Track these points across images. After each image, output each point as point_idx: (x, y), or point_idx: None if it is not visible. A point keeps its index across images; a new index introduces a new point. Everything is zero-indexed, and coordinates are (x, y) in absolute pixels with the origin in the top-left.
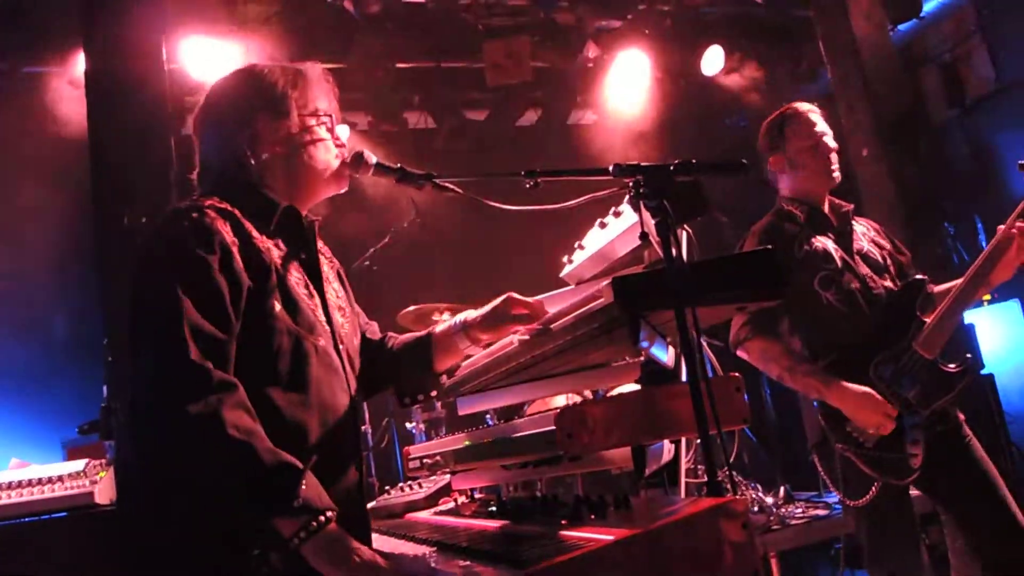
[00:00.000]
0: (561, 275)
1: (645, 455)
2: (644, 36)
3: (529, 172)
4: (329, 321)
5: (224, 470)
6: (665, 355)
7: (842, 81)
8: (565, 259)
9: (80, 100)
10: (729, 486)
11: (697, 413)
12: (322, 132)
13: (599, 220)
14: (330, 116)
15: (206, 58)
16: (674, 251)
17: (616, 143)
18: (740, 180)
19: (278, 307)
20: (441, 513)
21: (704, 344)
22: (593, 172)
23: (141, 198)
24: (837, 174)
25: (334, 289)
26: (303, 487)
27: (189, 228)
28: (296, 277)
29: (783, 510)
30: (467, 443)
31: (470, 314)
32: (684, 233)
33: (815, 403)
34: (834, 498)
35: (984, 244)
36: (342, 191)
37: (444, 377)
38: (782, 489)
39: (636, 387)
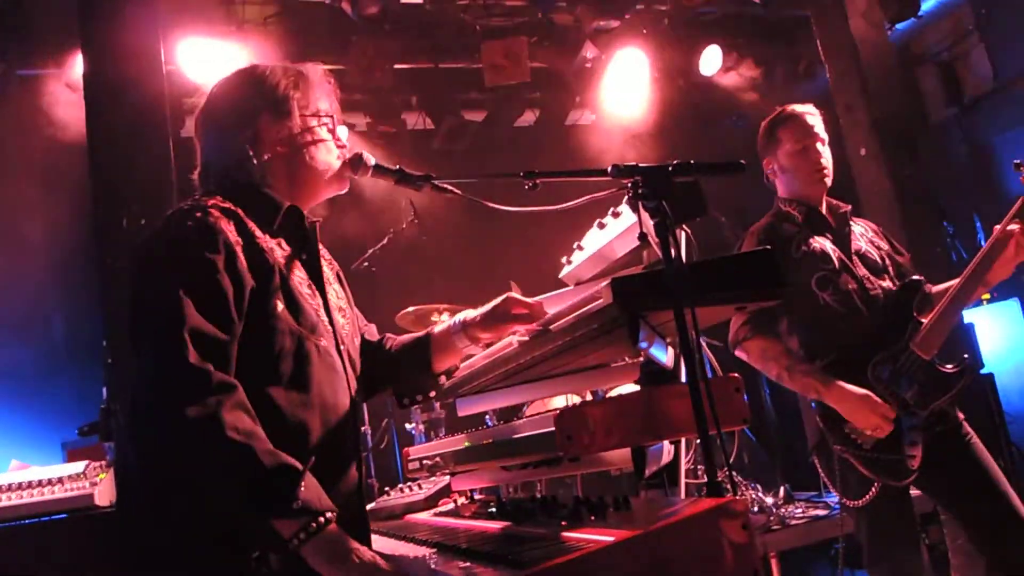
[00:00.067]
0: (560, 276)
1: (645, 456)
2: (642, 36)
3: (528, 173)
4: (331, 322)
5: (223, 472)
6: (664, 355)
7: (840, 80)
8: (564, 260)
9: (77, 102)
10: (729, 487)
11: (697, 414)
12: (323, 133)
13: (598, 221)
14: (331, 117)
15: (204, 59)
16: (673, 251)
17: (614, 143)
18: (739, 180)
19: (281, 307)
20: (441, 514)
21: (703, 344)
22: (592, 173)
23: (139, 200)
24: (827, 179)
25: (335, 290)
26: (302, 488)
27: (193, 228)
28: (299, 277)
29: (783, 510)
30: (467, 444)
31: (469, 313)
32: (683, 233)
33: (813, 404)
34: (834, 498)
35: (983, 243)
36: (342, 192)
37: (443, 378)
38: (782, 489)
39: (635, 388)
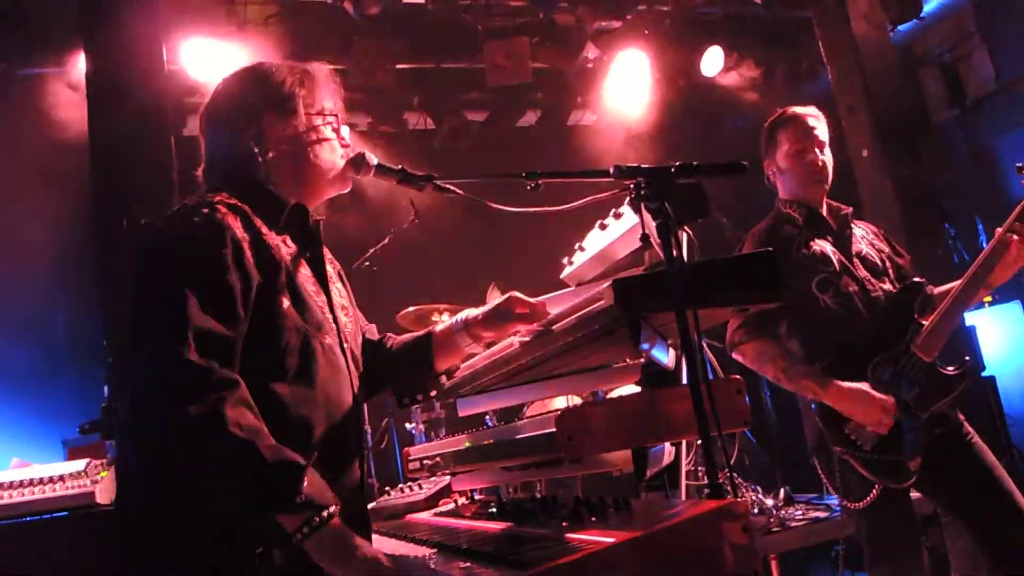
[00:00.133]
0: (561, 276)
1: (646, 457)
2: (644, 37)
3: (530, 174)
4: (335, 320)
5: (226, 468)
6: (666, 357)
7: (842, 81)
8: (565, 260)
9: (79, 102)
10: (730, 488)
11: (698, 415)
12: (328, 132)
13: (599, 222)
14: (336, 116)
15: (206, 59)
16: (675, 253)
17: (616, 144)
18: (740, 181)
19: (287, 304)
20: (441, 514)
21: (704, 346)
22: (593, 174)
23: (141, 199)
24: (824, 181)
25: (337, 289)
26: (305, 483)
27: (200, 224)
28: (304, 275)
29: (783, 512)
30: (467, 444)
31: (471, 312)
32: (684, 235)
33: (813, 405)
34: (834, 500)
35: (985, 245)
36: (344, 191)
37: (444, 377)
38: (782, 491)
39: (636, 389)
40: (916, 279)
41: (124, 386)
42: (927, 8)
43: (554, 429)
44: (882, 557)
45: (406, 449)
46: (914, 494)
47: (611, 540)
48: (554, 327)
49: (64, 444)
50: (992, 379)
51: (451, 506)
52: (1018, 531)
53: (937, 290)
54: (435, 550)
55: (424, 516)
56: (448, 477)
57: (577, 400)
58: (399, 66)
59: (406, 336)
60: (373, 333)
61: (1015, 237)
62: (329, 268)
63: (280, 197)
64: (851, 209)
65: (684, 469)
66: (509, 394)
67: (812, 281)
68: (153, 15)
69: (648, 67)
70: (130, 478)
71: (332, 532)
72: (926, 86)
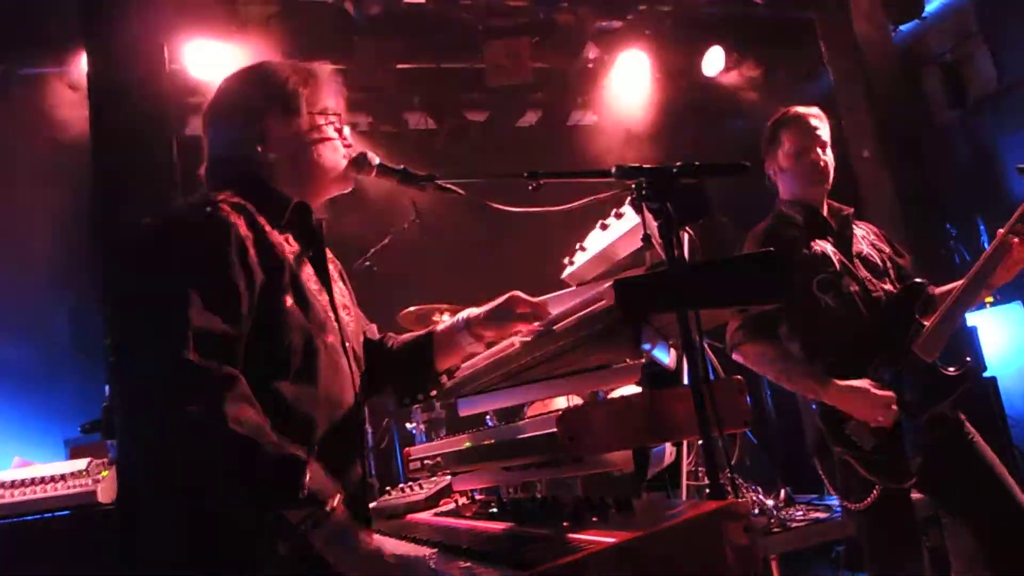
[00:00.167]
0: (562, 276)
1: (647, 457)
2: (645, 37)
3: (532, 173)
4: (337, 319)
5: (227, 465)
6: (667, 357)
7: (843, 82)
8: (566, 260)
9: (80, 102)
10: (730, 489)
11: (699, 415)
12: (330, 131)
13: (600, 222)
14: (338, 116)
15: (206, 59)
16: (676, 253)
17: (617, 144)
18: (742, 181)
19: (290, 302)
20: (442, 514)
21: (705, 346)
22: (595, 174)
23: (142, 199)
24: (825, 182)
25: (339, 288)
26: (307, 477)
27: (203, 221)
28: (307, 273)
29: (784, 513)
30: (468, 444)
31: (473, 311)
32: (686, 235)
33: (813, 406)
34: (835, 501)
35: (986, 245)
36: (346, 191)
37: (444, 377)
38: (783, 492)
39: (637, 389)
40: (917, 280)
41: (120, 384)
42: (929, 8)
43: (555, 429)
44: (882, 558)
45: (407, 449)
46: (915, 495)
47: (612, 540)
48: (555, 327)
49: (66, 443)
50: (993, 380)
51: (452, 506)
52: (1019, 532)
53: (938, 291)
54: (436, 550)
55: (425, 516)
56: (449, 477)
57: (578, 400)
58: (400, 66)
59: (407, 335)
60: (374, 333)
61: (1016, 239)
62: (331, 267)
63: (283, 195)
64: (852, 210)
65: (685, 469)
66: (510, 394)
67: (813, 282)
68: (154, 15)
69: (649, 67)
70: (130, 478)
71: (336, 525)
72: (927, 86)
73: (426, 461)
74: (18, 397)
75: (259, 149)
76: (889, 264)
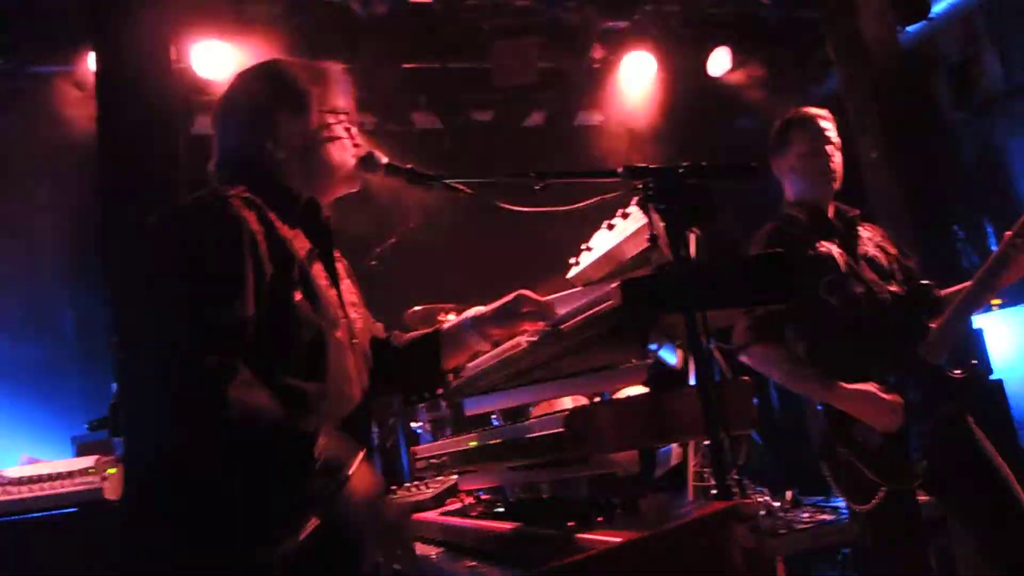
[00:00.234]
0: (568, 277)
1: (653, 458)
2: (651, 37)
3: (539, 173)
4: (345, 315)
5: (238, 448)
6: (673, 358)
7: (850, 82)
8: (572, 261)
9: (86, 101)
10: (737, 490)
11: (705, 416)
12: (339, 130)
13: (607, 222)
14: (348, 115)
15: (213, 57)
16: (683, 253)
17: (623, 144)
18: (752, 181)
19: (299, 297)
20: (448, 514)
21: (712, 347)
22: (602, 174)
23: (148, 197)
24: (836, 182)
25: (347, 285)
26: (319, 448)
27: (214, 215)
28: (317, 269)
29: (790, 514)
30: (474, 444)
31: (479, 310)
32: (692, 235)
33: (819, 407)
34: (841, 503)
35: (994, 247)
36: (353, 191)
37: (451, 375)
38: (789, 493)
39: (644, 389)
40: (924, 282)
41: (127, 377)
42: (936, 9)
43: (561, 429)
44: (888, 560)
45: (413, 448)
46: (922, 497)
47: (618, 540)
48: (561, 327)
49: (73, 441)
50: (1000, 382)
51: (458, 505)
52: (1021, 537)
53: (945, 293)
54: (442, 549)
55: (431, 515)
56: (455, 476)
57: (584, 400)
58: (405, 66)
59: (413, 334)
60: (380, 331)
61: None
62: (338, 265)
63: (293, 191)
64: (858, 211)
65: (691, 470)
66: (516, 394)
67: (818, 283)
68: (161, 14)
69: (655, 68)
70: (138, 472)
71: (353, 492)
72: (935, 88)
73: (432, 460)
74: (25, 395)
75: (269, 146)
76: (895, 266)
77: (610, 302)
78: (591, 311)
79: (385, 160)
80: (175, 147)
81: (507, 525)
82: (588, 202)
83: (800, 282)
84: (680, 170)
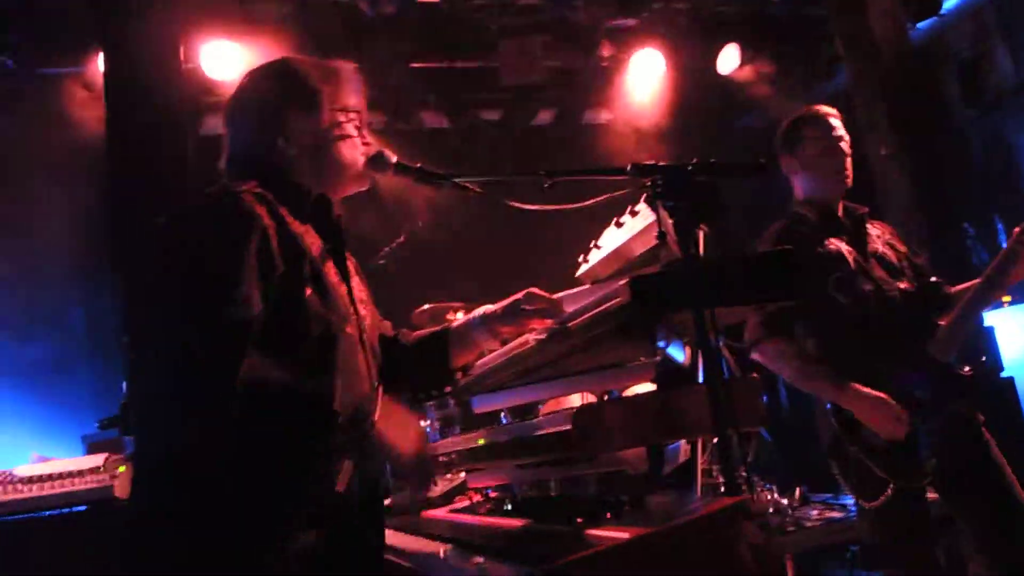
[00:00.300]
0: (577, 275)
1: (662, 455)
2: (659, 35)
3: (548, 172)
4: (355, 312)
5: (255, 420)
6: (681, 355)
7: (860, 79)
8: (581, 258)
9: (95, 100)
10: (745, 487)
11: (714, 414)
12: (350, 129)
13: (615, 219)
14: (359, 114)
15: (221, 58)
16: (691, 251)
17: (631, 142)
18: (758, 179)
19: (310, 292)
20: (457, 511)
21: (721, 344)
22: (610, 172)
23: (157, 197)
24: (848, 179)
25: (356, 282)
26: (337, 402)
27: (225, 210)
28: (328, 265)
29: (799, 512)
30: (482, 442)
31: (488, 308)
32: (701, 232)
33: (828, 405)
34: (850, 500)
35: (1004, 244)
36: (362, 189)
37: (459, 374)
38: (798, 491)
39: (652, 387)
40: (933, 279)
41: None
42: (947, 5)
43: (570, 426)
44: (896, 558)
45: None
46: (931, 495)
47: (626, 536)
48: (569, 324)
49: (83, 439)
50: (1011, 380)
51: (466, 503)
52: (1021, 541)
53: (955, 290)
54: (451, 546)
55: (440, 513)
56: (463, 474)
57: (592, 398)
58: (413, 65)
59: (421, 332)
60: (388, 329)
61: None
62: (348, 263)
63: (304, 187)
64: (867, 209)
65: (700, 468)
66: (524, 391)
67: (827, 281)
68: (169, 14)
69: (664, 65)
70: (148, 472)
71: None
72: (945, 84)
73: (441, 458)
74: (36, 393)
75: (279, 144)
76: (905, 263)
77: (618, 299)
78: (599, 308)
79: (395, 159)
80: (184, 148)
81: (516, 522)
82: (596, 200)
83: (809, 280)
84: (689, 167)
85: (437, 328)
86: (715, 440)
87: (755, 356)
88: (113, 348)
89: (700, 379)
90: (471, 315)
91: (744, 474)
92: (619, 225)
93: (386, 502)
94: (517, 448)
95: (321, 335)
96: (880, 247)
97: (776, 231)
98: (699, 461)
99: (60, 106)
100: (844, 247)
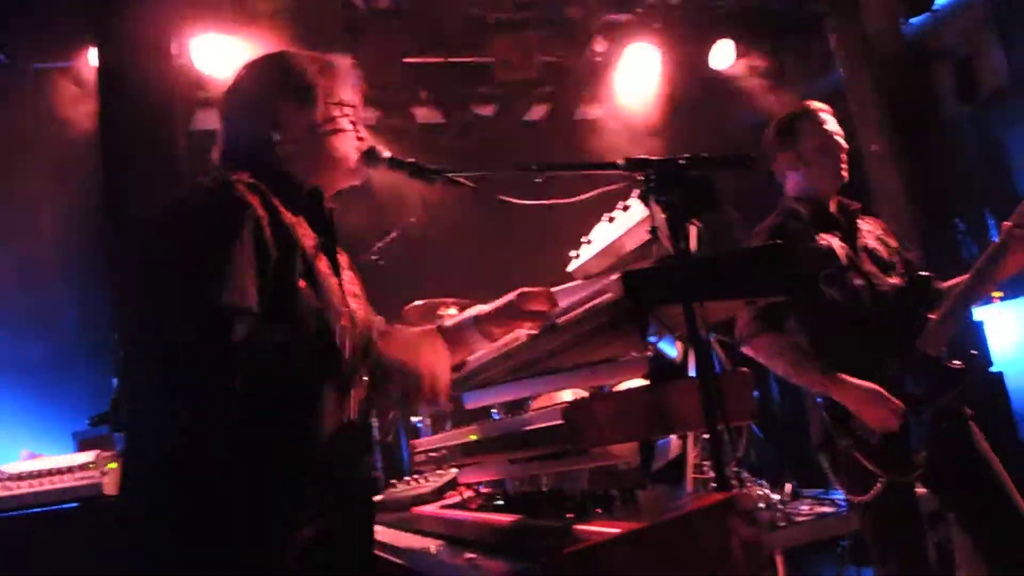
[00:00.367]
0: (568, 270)
1: (652, 450)
2: (653, 30)
3: (539, 166)
4: (346, 305)
5: (280, 367)
6: (673, 350)
7: (853, 75)
8: (572, 254)
9: (88, 96)
10: (736, 482)
11: (705, 408)
12: (345, 124)
13: (607, 215)
14: (354, 109)
15: (214, 53)
16: (683, 246)
17: (624, 138)
18: (750, 175)
19: (303, 284)
20: (448, 507)
21: (712, 339)
22: (603, 166)
23: (150, 192)
24: (845, 174)
25: (348, 276)
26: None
27: (219, 199)
28: (320, 258)
29: (789, 507)
30: (474, 437)
31: (481, 308)
32: (693, 228)
33: (819, 399)
34: (840, 495)
35: (995, 239)
36: (356, 184)
37: (451, 371)
38: (788, 486)
39: (643, 382)
40: (923, 273)
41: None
42: (940, 1)
43: (561, 421)
44: (887, 552)
45: (413, 442)
46: (920, 489)
47: (617, 531)
48: (560, 320)
49: (74, 436)
50: (1000, 375)
51: (457, 499)
52: (1014, 536)
53: (945, 285)
54: (442, 542)
55: (431, 508)
56: (455, 470)
57: (584, 393)
58: (407, 60)
59: (414, 329)
60: (380, 325)
61: (1022, 232)
62: (340, 257)
63: (297, 179)
64: (859, 205)
65: (690, 462)
66: (515, 387)
67: (819, 276)
68: (162, 10)
69: (657, 60)
70: (144, 468)
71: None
72: (938, 80)
73: (432, 454)
74: (26, 390)
75: (274, 136)
76: (896, 258)
77: (610, 295)
78: (591, 303)
79: (388, 154)
80: (177, 142)
81: (507, 517)
82: (589, 195)
83: (801, 275)
84: (681, 162)
85: (428, 327)
86: (706, 435)
87: (746, 351)
88: (104, 345)
89: (691, 374)
90: (463, 315)
91: (735, 469)
92: (611, 220)
93: (376, 498)
94: (508, 443)
95: (315, 327)
96: (871, 242)
97: (768, 227)
98: (690, 456)
99: (55, 101)
100: (836, 243)
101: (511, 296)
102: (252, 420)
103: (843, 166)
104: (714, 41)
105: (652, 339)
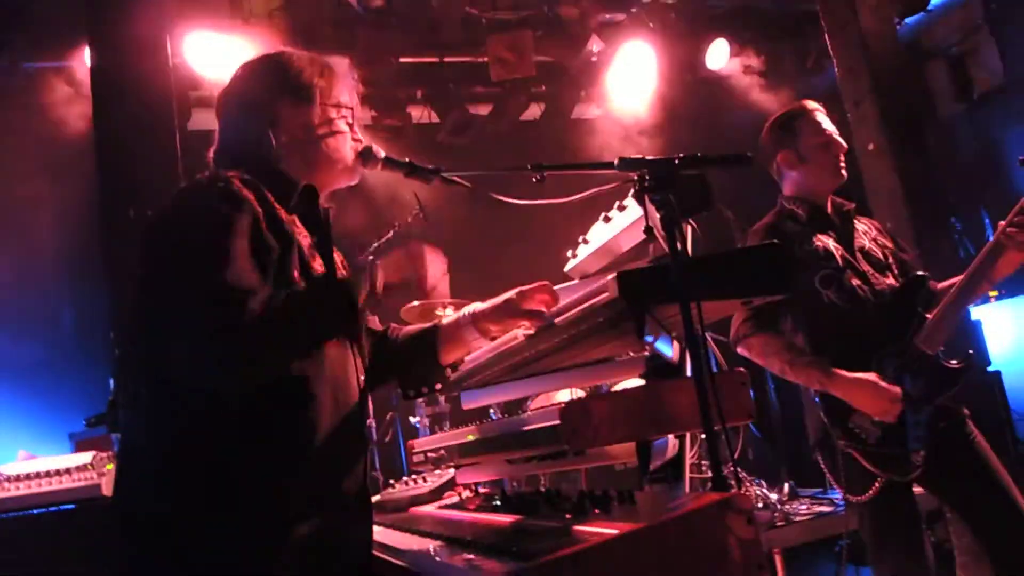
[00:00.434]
0: (565, 270)
1: (650, 450)
2: (648, 29)
3: (535, 166)
4: None
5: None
6: (669, 350)
7: (848, 75)
8: (569, 254)
9: (82, 96)
10: (733, 482)
11: (702, 408)
12: (342, 125)
13: (603, 214)
14: (351, 111)
15: (210, 53)
16: (679, 245)
17: (620, 137)
18: (746, 175)
19: (300, 280)
20: (446, 507)
21: (709, 339)
22: (598, 166)
23: (147, 191)
24: (844, 172)
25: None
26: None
27: (218, 193)
28: (314, 256)
29: (787, 506)
30: (471, 437)
31: (478, 306)
32: (689, 228)
33: (816, 399)
34: (838, 495)
35: (991, 238)
36: (351, 184)
37: (449, 371)
38: (786, 485)
39: (640, 382)
40: (919, 273)
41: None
42: (934, 1)
43: (558, 422)
44: (885, 551)
45: (410, 442)
46: (917, 489)
47: (615, 532)
48: (557, 320)
49: (71, 437)
50: (998, 374)
51: (455, 499)
52: (1015, 531)
53: (941, 285)
54: (440, 542)
55: (428, 509)
56: (452, 470)
57: (581, 393)
58: (403, 59)
59: (411, 328)
60: (375, 324)
61: (1017, 231)
62: (334, 256)
63: (292, 178)
64: (854, 205)
65: (688, 462)
66: (513, 387)
67: (815, 277)
68: (157, 9)
69: (653, 60)
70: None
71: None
72: (933, 80)
73: (430, 454)
74: (23, 391)
75: (270, 135)
76: (892, 258)
77: (606, 294)
78: (587, 303)
79: (383, 154)
80: (172, 142)
81: (504, 518)
82: (584, 194)
83: (797, 275)
84: (675, 161)
85: (427, 325)
86: (703, 435)
87: (742, 351)
88: (101, 346)
89: (688, 374)
90: (461, 313)
91: (732, 469)
92: (607, 220)
93: (374, 499)
94: (505, 443)
95: None
96: (867, 243)
97: (764, 227)
98: (687, 456)
99: (50, 101)
100: (831, 243)
101: (509, 294)
102: (249, 419)
103: (842, 164)
104: (709, 40)
105: (649, 339)
